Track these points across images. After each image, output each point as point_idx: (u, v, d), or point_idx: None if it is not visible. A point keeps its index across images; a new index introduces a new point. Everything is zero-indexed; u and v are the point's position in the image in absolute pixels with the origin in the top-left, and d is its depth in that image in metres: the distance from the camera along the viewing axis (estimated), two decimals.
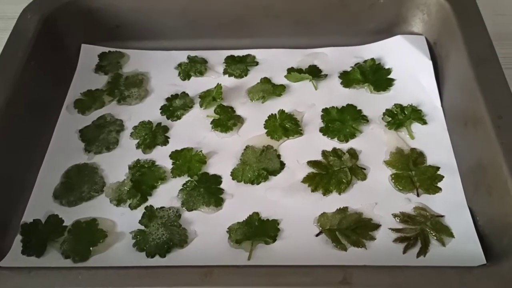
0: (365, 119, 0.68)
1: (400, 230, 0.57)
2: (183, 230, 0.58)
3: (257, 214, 0.59)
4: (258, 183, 0.62)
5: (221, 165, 0.64)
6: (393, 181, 0.61)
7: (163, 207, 0.60)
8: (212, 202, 0.60)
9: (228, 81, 0.74)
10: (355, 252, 0.55)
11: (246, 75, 0.75)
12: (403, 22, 0.76)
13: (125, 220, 0.60)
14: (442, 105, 0.68)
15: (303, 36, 0.78)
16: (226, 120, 0.68)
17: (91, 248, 0.57)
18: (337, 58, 0.76)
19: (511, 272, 0.48)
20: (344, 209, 0.59)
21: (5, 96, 0.63)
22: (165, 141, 0.67)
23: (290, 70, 0.74)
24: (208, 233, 0.58)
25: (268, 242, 0.57)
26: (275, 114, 0.68)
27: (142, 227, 0.58)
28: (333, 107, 0.69)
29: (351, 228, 0.57)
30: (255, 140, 0.67)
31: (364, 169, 0.63)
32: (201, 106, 0.71)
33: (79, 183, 0.63)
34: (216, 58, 0.77)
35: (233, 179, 0.63)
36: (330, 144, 0.66)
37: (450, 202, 0.59)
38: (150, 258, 0.56)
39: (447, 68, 0.69)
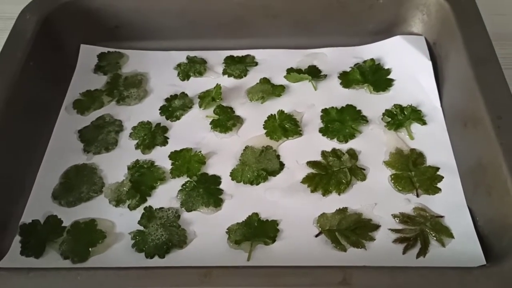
0: (364, 120, 0.68)
1: (400, 230, 0.57)
2: (182, 230, 0.58)
3: (256, 214, 0.59)
4: (257, 184, 0.62)
5: (221, 165, 0.64)
6: (392, 181, 0.61)
7: (162, 207, 0.60)
8: (211, 203, 0.60)
9: (227, 82, 0.74)
10: (354, 253, 0.55)
11: (245, 76, 0.75)
12: (402, 22, 0.76)
13: (124, 220, 0.60)
14: (441, 106, 0.68)
15: (302, 37, 0.78)
16: (226, 120, 0.68)
17: (90, 249, 0.57)
18: (336, 58, 0.76)
19: (511, 273, 0.48)
20: (344, 210, 0.59)
21: (4, 97, 0.63)
22: (164, 142, 0.67)
23: (290, 71, 0.74)
24: (207, 233, 0.58)
25: (267, 242, 0.56)
26: (275, 114, 0.68)
27: (141, 228, 0.58)
28: (332, 107, 0.69)
29: (351, 229, 0.57)
30: (255, 140, 0.66)
31: (364, 169, 0.63)
32: (200, 107, 0.71)
33: (78, 183, 0.63)
34: (216, 58, 0.77)
35: (232, 179, 0.63)
36: (330, 144, 0.66)
37: (450, 202, 0.59)
38: (149, 258, 0.56)
39: (447, 68, 0.69)
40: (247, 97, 0.72)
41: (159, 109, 0.71)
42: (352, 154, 0.64)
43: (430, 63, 0.71)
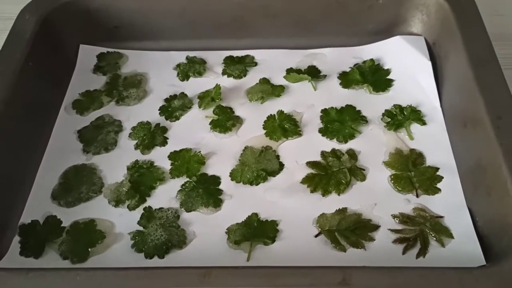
0: (364, 120, 0.68)
1: (400, 231, 0.57)
2: (182, 231, 0.58)
3: (256, 215, 0.59)
4: (257, 184, 0.62)
5: (220, 165, 0.64)
6: (392, 181, 0.61)
7: (161, 208, 0.60)
8: (211, 203, 0.60)
9: (227, 82, 0.74)
10: (354, 253, 0.55)
11: (245, 76, 0.75)
12: (402, 22, 0.76)
13: (123, 221, 0.59)
14: (441, 106, 0.68)
15: (302, 37, 0.78)
16: (225, 120, 0.68)
17: (89, 249, 0.57)
18: (336, 58, 0.76)
19: (511, 273, 0.48)
20: (343, 210, 0.59)
21: (3, 97, 0.63)
22: (164, 142, 0.67)
23: (289, 71, 0.74)
24: (207, 234, 0.58)
25: (267, 243, 0.56)
26: (274, 114, 0.68)
27: (141, 228, 0.58)
28: (332, 107, 0.69)
29: (350, 229, 0.57)
30: (254, 140, 0.66)
31: (363, 169, 0.63)
32: (200, 107, 0.71)
33: (78, 184, 0.63)
34: (215, 58, 0.77)
35: (232, 179, 0.62)
36: (329, 144, 0.66)
37: (450, 202, 0.59)
38: (149, 259, 0.56)
39: (447, 68, 0.69)
40: (247, 97, 0.72)
41: (159, 109, 0.71)
42: (352, 154, 0.64)
43: (429, 63, 0.71)
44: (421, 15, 0.75)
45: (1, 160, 0.61)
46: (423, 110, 0.68)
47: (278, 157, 0.64)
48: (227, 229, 0.58)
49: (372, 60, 0.74)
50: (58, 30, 0.75)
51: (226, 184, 0.62)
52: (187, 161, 0.64)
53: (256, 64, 0.76)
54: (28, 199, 0.62)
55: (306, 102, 0.71)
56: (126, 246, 0.57)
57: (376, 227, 0.57)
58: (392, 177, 0.62)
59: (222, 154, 0.65)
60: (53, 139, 0.68)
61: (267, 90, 0.72)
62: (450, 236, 0.56)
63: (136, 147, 0.67)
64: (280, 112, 0.68)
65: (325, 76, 0.74)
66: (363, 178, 0.62)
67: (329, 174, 0.62)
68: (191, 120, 0.70)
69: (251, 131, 0.68)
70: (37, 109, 0.69)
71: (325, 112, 0.69)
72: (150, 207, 0.60)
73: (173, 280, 0.49)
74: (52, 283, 0.49)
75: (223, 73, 0.75)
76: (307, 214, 0.59)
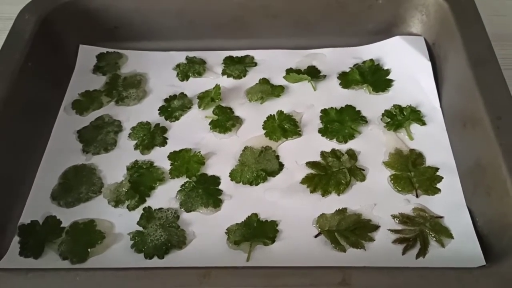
0: (364, 120, 0.68)
1: (399, 231, 0.57)
2: (182, 231, 0.58)
3: (255, 215, 0.59)
4: (256, 184, 0.62)
5: (220, 166, 0.64)
6: (392, 182, 0.61)
7: (161, 208, 0.60)
8: (210, 203, 0.60)
9: (226, 82, 0.74)
10: (354, 253, 0.55)
11: (244, 76, 0.75)
12: (401, 23, 0.76)
13: (123, 221, 0.59)
14: (441, 106, 0.68)
15: (302, 37, 0.78)
16: (225, 121, 0.68)
17: (89, 250, 0.57)
18: (336, 59, 0.76)
19: (511, 273, 0.48)
20: (343, 210, 0.59)
21: (2, 97, 0.63)
22: (164, 142, 0.67)
23: (289, 71, 0.74)
24: (207, 234, 0.58)
25: (266, 243, 0.56)
26: (274, 115, 0.68)
27: (140, 228, 0.58)
28: (332, 108, 0.69)
29: (350, 229, 0.57)
30: (254, 141, 0.66)
31: (363, 170, 0.62)
32: (199, 107, 0.71)
33: (77, 184, 0.63)
34: (215, 58, 0.77)
35: (231, 180, 0.62)
36: (329, 145, 0.65)
37: (449, 203, 0.59)
38: (148, 259, 0.56)
39: (446, 69, 0.69)
40: (247, 97, 0.72)
41: (158, 110, 0.71)
42: (352, 154, 0.64)
43: (429, 63, 0.71)
44: (420, 15, 0.75)
45: (0, 160, 0.61)
46: (422, 110, 0.68)
47: (277, 157, 0.64)
48: (226, 230, 0.58)
49: (371, 60, 0.74)
50: (57, 30, 0.75)
51: (225, 184, 0.62)
52: (186, 161, 0.64)
53: (255, 64, 0.76)
54: (27, 199, 0.62)
55: (306, 102, 0.71)
56: (125, 247, 0.57)
57: (376, 227, 0.57)
58: (392, 177, 0.62)
59: (222, 154, 0.65)
60: (52, 139, 0.68)
61: (267, 90, 0.72)
62: (450, 236, 0.56)
63: (136, 147, 0.67)
64: (280, 112, 0.68)
65: (324, 76, 0.74)
66: (362, 178, 0.62)
67: (329, 174, 0.62)
68: (190, 120, 0.70)
69: (251, 131, 0.68)
70: (37, 109, 0.69)
71: (324, 112, 0.69)
72: (149, 208, 0.60)
73: (172, 280, 0.49)
74: (52, 283, 0.49)
75: (223, 73, 0.75)
76: (307, 214, 0.59)
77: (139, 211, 0.60)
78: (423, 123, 0.67)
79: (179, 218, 0.59)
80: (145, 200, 0.61)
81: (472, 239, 0.55)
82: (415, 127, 0.67)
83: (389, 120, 0.67)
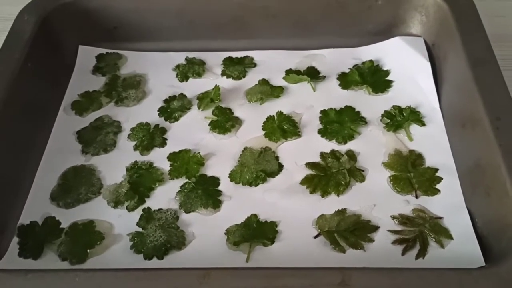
0: (363, 121, 0.68)
1: (399, 232, 0.57)
2: (181, 232, 0.58)
3: (255, 216, 0.59)
4: (256, 185, 0.62)
5: (219, 166, 0.64)
6: (391, 182, 0.61)
7: (160, 209, 0.60)
8: (210, 204, 0.60)
9: (226, 83, 0.74)
10: (353, 254, 0.55)
11: (244, 77, 0.75)
12: (401, 23, 0.76)
13: (122, 222, 0.59)
14: (440, 107, 0.68)
15: (301, 38, 0.78)
16: (224, 121, 0.68)
17: (88, 250, 0.56)
18: (335, 59, 0.76)
19: (510, 273, 0.48)
20: (343, 211, 0.59)
21: (2, 98, 0.63)
22: (163, 143, 0.67)
23: (288, 72, 0.74)
24: (206, 235, 0.58)
25: (266, 244, 0.56)
26: (273, 115, 0.68)
27: (140, 229, 0.58)
28: (331, 108, 0.69)
29: (350, 230, 0.57)
30: (253, 141, 0.66)
31: (363, 171, 0.62)
32: (199, 108, 0.71)
33: (76, 185, 0.63)
34: (214, 59, 0.77)
35: (231, 180, 0.62)
36: (329, 145, 0.65)
37: (449, 203, 0.59)
38: (148, 260, 0.56)
39: (446, 69, 0.69)
40: (246, 98, 0.72)
41: (158, 110, 0.71)
42: (351, 155, 0.64)
43: (429, 64, 0.71)
44: (420, 16, 0.75)
45: (0, 161, 0.61)
46: (422, 111, 0.68)
47: (277, 158, 0.64)
48: (226, 230, 0.58)
49: (371, 61, 0.74)
50: (57, 31, 0.75)
51: (225, 185, 0.62)
52: (186, 162, 0.64)
53: (255, 65, 0.76)
54: (27, 200, 0.62)
55: (305, 103, 0.71)
56: (125, 247, 0.57)
57: (376, 228, 0.57)
58: (391, 178, 0.62)
59: (221, 155, 0.65)
60: (52, 140, 0.68)
61: (266, 91, 0.72)
62: (449, 237, 0.56)
63: (135, 148, 0.67)
64: (279, 113, 0.68)
65: (324, 77, 0.74)
66: (362, 179, 0.62)
67: (328, 175, 0.62)
68: (190, 121, 0.70)
69: (250, 132, 0.68)
70: (36, 110, 0.69)
71: (324, 113, 0.69)
72: (149, 208, 0.60)
73: (172, 281, 0.48)
74: (51, 284, 0.49)
75: (222, 74, 0.75)
76: (306, 215, 0.59)
77: (138, 212, 0.60)
78: (422, 124, 0.67)
79: (179, 219, 0.59)
80: (145, 201, 0.61)
81: (472, 240, 0.55)
82: (414, 128, 0.67)
83: (388, 121, 0.67)
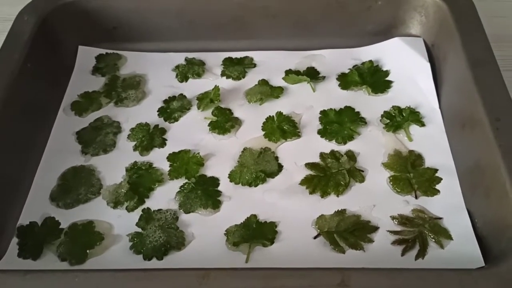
0: (363, 121, 0.67)
1: (398, 232, 0.57)
2: (181, 232, 0.58)
3: (254, 216, 0.59)
4: (255, 185, 0.62)
5: (219, 167, 0.64)
6: (391, 183, 0.61)
7: (160, 209, 0.60)
8: (209, 205, 0.60)
9: (225, 83, 0.74)
10: (353, 255, 0.55)
11: (243, 77, 0.75)
12: (401, 24, 0.76)
13: (122, 222, 0.59)
14: (440, 107, 0.68)
15: (301, 38, 0.78)
16: (224, 122, 0.68)
17: (87, 251, 0.56)
18: (335, 60, 0.76)
19: (510, 274, 0.48)
20: (342, 212, 0.59)
21: (1, 98, 0.63)
22: (163, 143, 0.67)
23: (288, 72, 0.74)
24: (206, 235, 0.58)
25: (265, 244, 0.56)
26: (273, 116, 0.68)
27: (139, 230, 0.58)
28: (331, 109, 0.69)
29: (349, 231, 0.57)
30: (253, 142, 0.66)
31: (362, 171, 0.62)
32: (198, 108, 0.71)
33: (76, 185, 0.63)
34: (214, 60, 0.77)
35: (230, 181, 0.62)
36: (328, 146, 0.65)
37: (448, 204, 0.59)
38: (147, 260, 0.56)
39: (445, 70, 0.69)
40: (246, 98, 0.72)
41: (157, 111, 0.71)
42: (351, 155, 0.64)
43: (428, 64, 0.71)
44: (419, 17, 0.75)
45: (0, 161, 0.61)
46: (422, 112, 0.68)
47: (277, 158, 0.64)
48: (226, 231, 0.58)
49: (371, 61, 0.74)
50: (56, 31, 0.75)
51: (225, 186, 0.62)
52: (186, 163, 0.64)
53: (255, 65, 0.76)
54: (26, 201, 0.62)
55: (305, 103, 0.71)
56: (124, 248, 0.57)
57: (375, 229, 0.57)
58: (391, 178, 0.62)
59: (221, 156, 0.65)
60: (51, 140, 0.68)
61: (266, 91, 0.72)
62: (449, 237, 0.56)
63: (135, 148, 0.67)
64: (279, 114, 0.68)
65: (324, 77, 0.74)
66: (362, 179, 0.62)
67: (328, 176, 0.62)
68: (190, 122, 0.70)
69: (250, 133, 0.68)
70: (36, 110, 0.69)
71: (324, 113, 0.69)
72: (148, 209, 0.60)
73: (171, 281, 0.48)
74: (50, 285, 0.49)
75: (222, 74, 0.75)
76: (306, 215, 0.59)
77: (138, 212, 0.60)
78: (422, 124, 0.67)
79: (178, 219, 0.59)
80: (144, 201, 0.61)
81: (471, 241, 0.55)
82: (414, 128, 0.67)
83: (388, 121, 0.67)
